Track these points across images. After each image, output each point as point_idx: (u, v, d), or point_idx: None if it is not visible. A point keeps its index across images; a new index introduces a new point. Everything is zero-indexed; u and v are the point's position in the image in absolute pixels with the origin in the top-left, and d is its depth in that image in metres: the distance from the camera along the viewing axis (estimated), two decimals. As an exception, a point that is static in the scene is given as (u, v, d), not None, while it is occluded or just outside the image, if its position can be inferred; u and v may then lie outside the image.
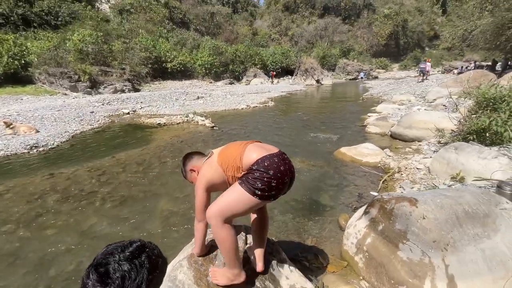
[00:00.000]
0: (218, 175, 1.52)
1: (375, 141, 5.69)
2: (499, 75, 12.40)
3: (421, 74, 19.41)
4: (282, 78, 31.39)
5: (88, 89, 16.93)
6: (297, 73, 30.04)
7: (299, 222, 3.08)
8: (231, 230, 1.42)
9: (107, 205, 3.66)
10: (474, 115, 4.01)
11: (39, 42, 18.24)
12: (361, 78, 31.58)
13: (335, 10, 43.50)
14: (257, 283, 1.57)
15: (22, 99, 12.59)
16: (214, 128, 8.04)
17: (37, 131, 7.17)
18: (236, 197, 1.40)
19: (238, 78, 29.98)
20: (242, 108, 11.73)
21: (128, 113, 11.00)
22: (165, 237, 2.93)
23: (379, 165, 4.48)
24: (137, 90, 19.86)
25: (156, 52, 23.81)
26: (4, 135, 6.69)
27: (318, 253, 2.45)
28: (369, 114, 8.75)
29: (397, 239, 1.95)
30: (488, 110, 3.71)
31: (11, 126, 6.79)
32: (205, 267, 1.60)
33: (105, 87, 18.00)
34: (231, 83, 27.64)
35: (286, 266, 1.80)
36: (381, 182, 3.80)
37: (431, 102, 9.83)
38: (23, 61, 14.88)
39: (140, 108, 11.79)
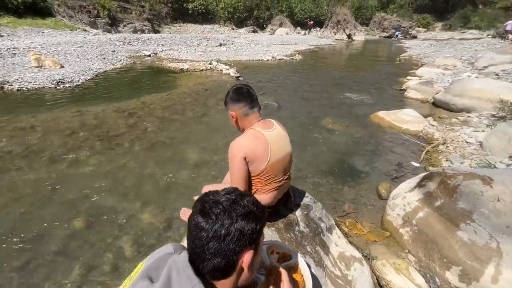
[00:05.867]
0: (258, 162, 1.32)
1: (415, 108, 5.18)
2: None
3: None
4: (310, 30, 28.83)
5: (108, 27, 16.26)
6: (328, 25, 27.32)
7: (333, 186, 2.94)
8: None
9: (135, 147, 3.64)
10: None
11: (55, -31, 17.04)
12: (396, 36, 28.42)
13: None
14: (308, 247, 1.47)
15: (43, 32, 12.27)
16: (239, 78, 7.62)
17: (62, 66, 7.05)
18: None
19: (262, 26, 27.80)
20: (267, 60, 10.99)
21: (150, 55, 10.61)
22: (197, 185, 2.90)
23: (421, 134, 4.12)
24: (157, 32, 18.94)
25: (176, -11, 21.96)
26: (30, 67, 6.62)
27: (356, 219, 2.34)
28: (408, 78, 7.94)
29: (458, 219, 1.77)
30: None
31: (37, 58, 6.66)
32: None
33: (124, 25, 17.22)
34: (254, 31, 25.76)
35: (334, 232, 1.70)
36: (423, 152, 3.51)
37: (480, 69, 8.73)
38: (40, -10, 14.09)
39: (162, 51, 11.30)
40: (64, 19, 15.24)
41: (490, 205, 1.68)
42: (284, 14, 28.22)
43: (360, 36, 26.07)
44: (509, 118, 3.83)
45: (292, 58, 11.74)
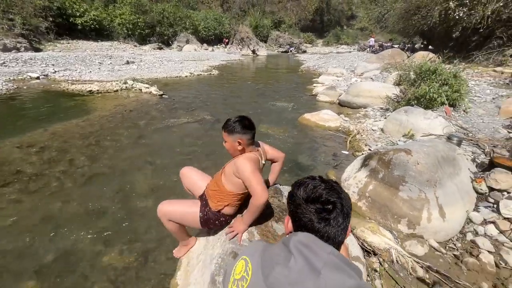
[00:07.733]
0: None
1: (328, 108, 6.26)
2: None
3: (379, 47, 22.44)
4: (216, 46, 29.97)
5: (-40, 44, 12.52)
6: (233, 41, 29.10)
7: (291, 181, 3.28)
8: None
9: (67, 185, 3.05)
10: (413, 85, 4.87)
11: None
12: (291, 51, 33.15)
13: (266, -23, 42.71)
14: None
15: None
16: (164, 96, 7.29)
17: None
18: (191, 214, 1.61)
19: (167, 43, 27.05)
20: (186, 76, 10.87)
21: (38, 77, 8.82)
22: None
23: (340, 128, 5.03)
24: (37, 50, 15.80)
25: (58, 1, 18.97)
26: None
27: (322, 205, 2.72)
28: (314, 85, 9.43)
29: (397, 183, 2.35)
30: (427, 80, 4.57)
31: None
32: (269, 227, 1.61)
33: (-13, 42, 13.62)
34: (160, 48, 24.80)
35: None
36: (347, 142, 4.32)
37: (360, 75, 11.23)
38: None
39: (54, 72, 9.56)
40: None
41: (414, 168, 2.32)
42: (189, 31, 28.40)
43: (262, 51, 28.86)
44: (393, 109, 5.17)
45: (210, 73, 12.00)
